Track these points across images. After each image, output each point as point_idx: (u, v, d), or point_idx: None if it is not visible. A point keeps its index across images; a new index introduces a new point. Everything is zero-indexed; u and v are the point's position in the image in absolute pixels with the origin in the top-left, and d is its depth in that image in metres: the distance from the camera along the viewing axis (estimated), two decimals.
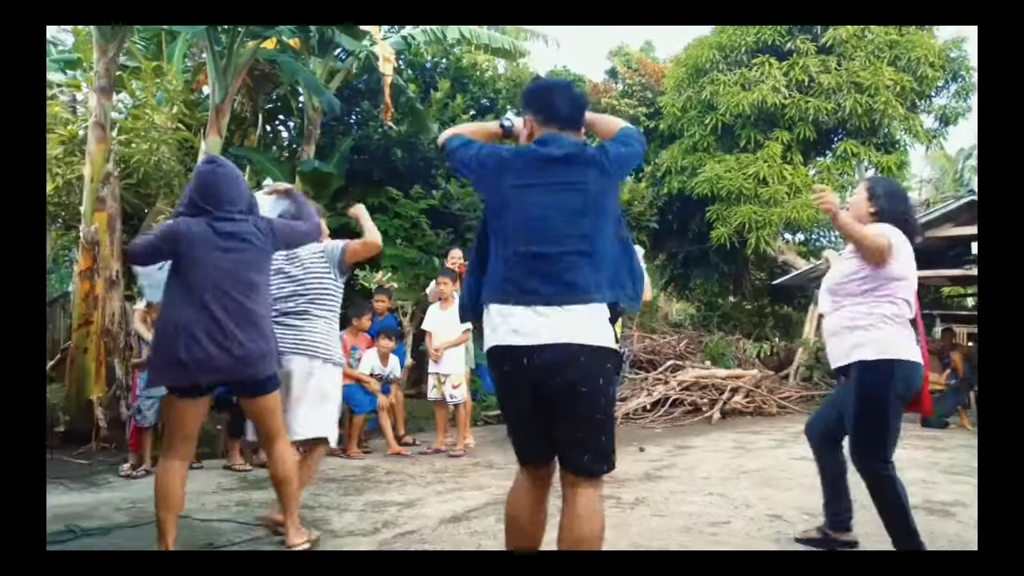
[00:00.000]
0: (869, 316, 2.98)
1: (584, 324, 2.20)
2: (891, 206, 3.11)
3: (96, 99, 6.43)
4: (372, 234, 3.63)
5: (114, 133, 6.90)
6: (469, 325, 6.44)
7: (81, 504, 4.19)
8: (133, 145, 7.05)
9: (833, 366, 3.20)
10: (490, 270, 2.36)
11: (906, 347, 2.97)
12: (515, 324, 2.23)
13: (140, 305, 5.30)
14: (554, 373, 2.20)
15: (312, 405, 3.50)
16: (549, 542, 2.43)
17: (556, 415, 2.27)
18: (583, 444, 2.28)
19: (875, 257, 2.93)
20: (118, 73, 6.94)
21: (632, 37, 48.01)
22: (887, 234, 2.96)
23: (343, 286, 3.74)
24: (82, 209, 6.51)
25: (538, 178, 2.28)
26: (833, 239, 15.19)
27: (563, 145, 2.30)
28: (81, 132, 7.01)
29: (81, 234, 6.46)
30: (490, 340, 2.32)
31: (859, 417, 2.98)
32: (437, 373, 6.22)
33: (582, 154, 2.30)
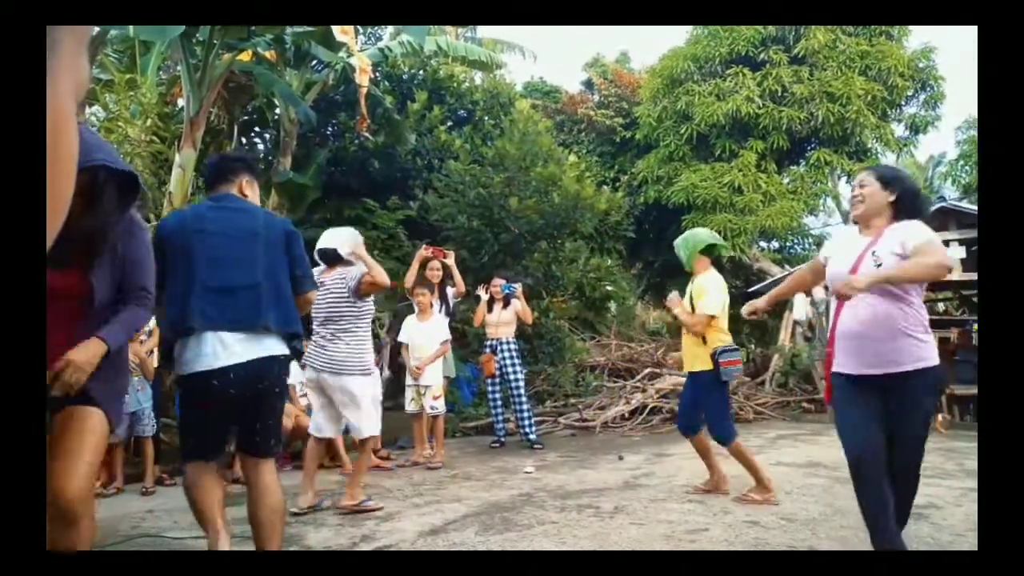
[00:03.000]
0: (925, 322, 2.89)
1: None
2: (905, 187, 3.01)
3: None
4: (375, 273, 4.20)
5: None
6: (448, 336, 6.45)
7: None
8: None
9: (882, 370, 2.86)
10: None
11: None
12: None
13: None
14: (254, 382, 2.80)
15: (350, 411, 4.38)
16: (548, 545, 2.41)
17: (246, 415, 2.87)
18: (267, 432, 2.92)
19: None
20: (90, 86, 6.87)
21: (608, 48, 48.40)
22: (948, 254, 2.87)
23: (369, 307, 4.47)
24: None
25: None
26: (807, 247, 15.38)
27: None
28: None
29: None
30: (196, 362, 2.78)
31: (924, 417, 2.88)
32: (417, 385, 6.20)
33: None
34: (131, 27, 5.98)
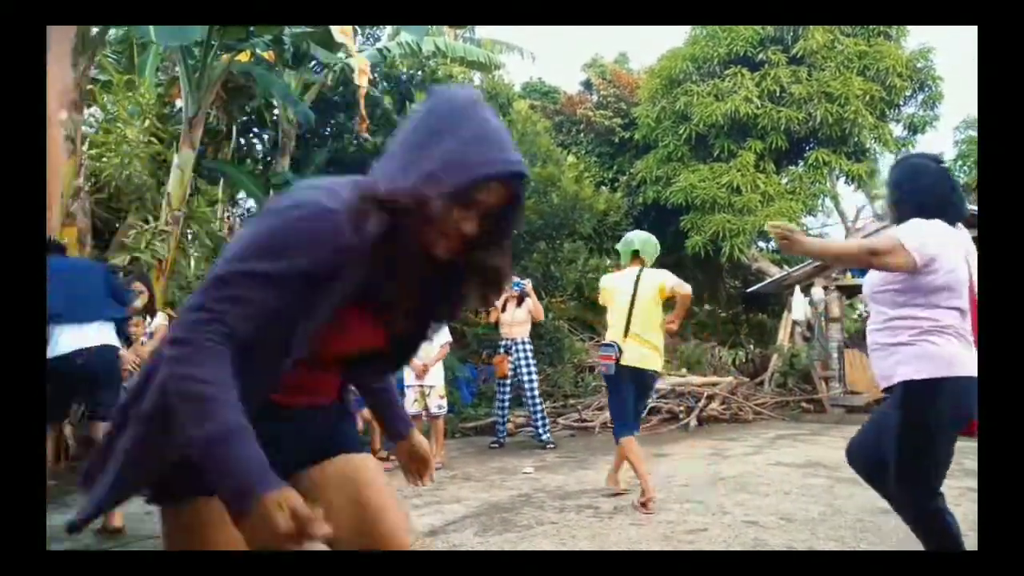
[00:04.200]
0: (912, 330, 2.49)
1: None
2: (910, 186, 2.64)
3: (66, 112, 6.35)
4: None
5: (84, 147, 6.82)
6: (449, 338, 6.46)
7: (51, 526, 4.10)
8: (104, 159, 6.98)
9: (881, 387, 2.68)
10: None
11: (957, 362, 2.43)
12: None
13: None
14: None
15: None
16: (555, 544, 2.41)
17: None
18: None
19: (903, 269, 2.44)
20: (89, 87, 6.87)
21: (606, 48, 48.39)
22: (903, 242, 2.42)
23: None
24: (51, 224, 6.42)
25: None
26: None
27: None
28: None
29: None
30: None
31: (901, 442, 2.49)
32: (421, 386, 6.17)
33: None
34: (152, 31, 6.00)
